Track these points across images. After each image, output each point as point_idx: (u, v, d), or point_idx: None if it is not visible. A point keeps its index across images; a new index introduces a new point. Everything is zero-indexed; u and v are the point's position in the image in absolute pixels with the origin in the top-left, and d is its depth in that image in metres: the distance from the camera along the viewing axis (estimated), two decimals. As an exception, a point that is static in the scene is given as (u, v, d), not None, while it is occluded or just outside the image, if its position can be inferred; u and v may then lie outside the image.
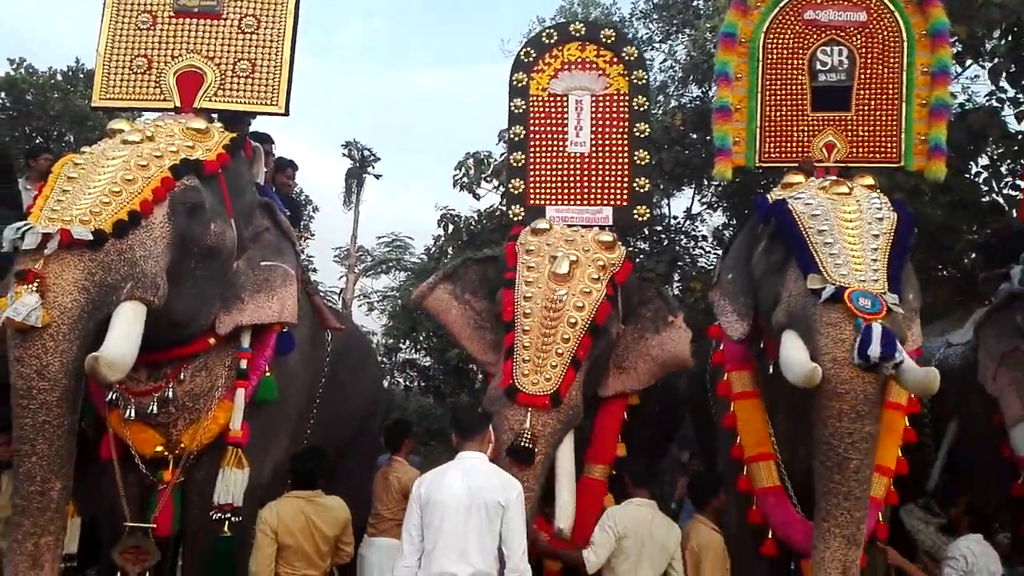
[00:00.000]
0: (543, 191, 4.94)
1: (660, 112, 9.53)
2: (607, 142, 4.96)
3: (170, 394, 3.70)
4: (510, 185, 4.99)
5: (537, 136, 5.00)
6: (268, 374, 3.95)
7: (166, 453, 3.74)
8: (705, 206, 10.06)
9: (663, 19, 10.69)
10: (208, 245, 3.67)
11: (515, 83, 5.05)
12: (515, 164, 4.99)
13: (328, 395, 4.77)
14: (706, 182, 9.57)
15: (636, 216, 4.91)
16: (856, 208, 3.87)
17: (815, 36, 4.68)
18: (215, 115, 4.39)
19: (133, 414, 3.67)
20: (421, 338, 11.16)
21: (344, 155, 14.60)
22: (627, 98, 4.99)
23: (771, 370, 4.04)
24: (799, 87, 4.66)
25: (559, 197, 4.91)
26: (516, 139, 5.02)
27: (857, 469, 3.39)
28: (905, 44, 4.64)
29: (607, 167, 4.93)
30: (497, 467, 3.41)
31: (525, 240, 4.48)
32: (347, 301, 12.05)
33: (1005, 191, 7.63)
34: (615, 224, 4.84)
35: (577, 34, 5.12)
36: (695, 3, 10.25)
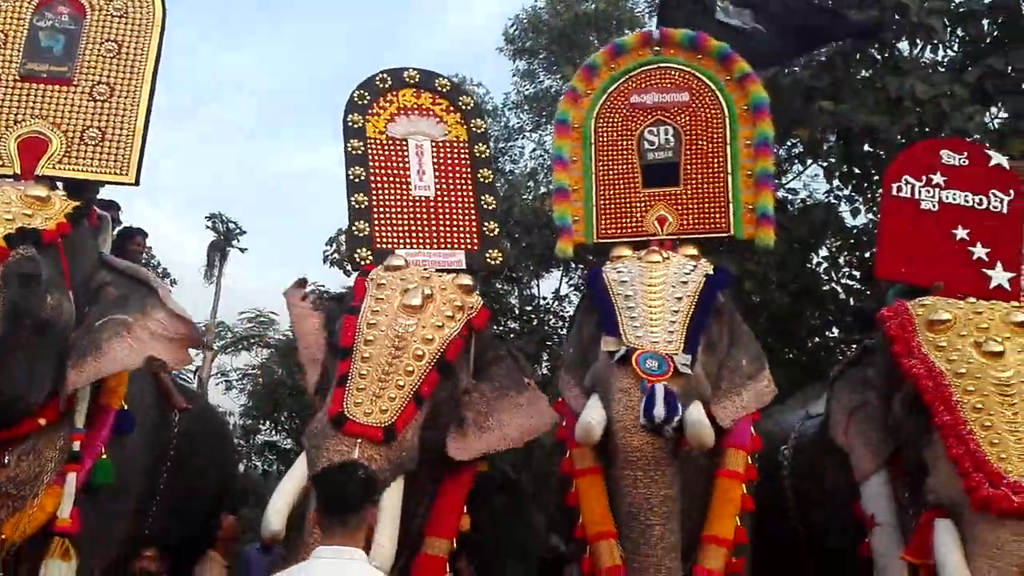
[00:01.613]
0: (390, 234, 4.75)
1: (530, 197, 9.82)
2: (452, 187, 4.90)
3: None
4: (353, 228, 4.73)
5: (379, 178, 4.84)
6: (104, 456, 3.65)
7: None
8: (572, 288, 10.33)
9: (533, 110, 11.18)
10: (43, 318, 3.45)
11: (351, 124, 4.92)
12: (357, 206, 4.75)
13: (173, 481, 4.45)
14: (573, 265, 9.86)
15: (489, 260, 4.80)
16: (663, 273, 4.03)
17: (642, 118, 4.98)
18: (59, 183, 4.19)
19: None
20: (282, 419, 10.71)
21: (208, 227, 14.12)
22: (467, 145, 4.99)
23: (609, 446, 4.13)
24: (630, 166, 4.91)
25: (408, 240, 4.75)
26: (356, 180, 4.80)
27: (661, 536, 3.44)
28: (727, 119, 4.96)
29: (455, 211, 4.87)
30: (375, 571, 2.45)
31: (376, 275, 4.18)
32: (203, 379, 11.41)
33: (843, 280, 8.26)
34: (470, 268, 4.71)
35: (411, 80, 5.11)
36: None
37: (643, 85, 5.02)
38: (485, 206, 4.89)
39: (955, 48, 7.96)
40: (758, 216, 4.84)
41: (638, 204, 4.85)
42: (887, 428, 4.12)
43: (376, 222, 4.75)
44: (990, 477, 3.38)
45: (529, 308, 10.27)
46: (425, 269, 4.41)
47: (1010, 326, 3.97)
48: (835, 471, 4.40)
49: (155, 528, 4.36)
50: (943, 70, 7.63)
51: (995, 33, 7.53)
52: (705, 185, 4.90)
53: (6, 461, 3.46)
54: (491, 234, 4.85)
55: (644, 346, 3.56)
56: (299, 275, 4.59)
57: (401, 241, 4.74)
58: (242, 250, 14.49)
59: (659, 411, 3.35)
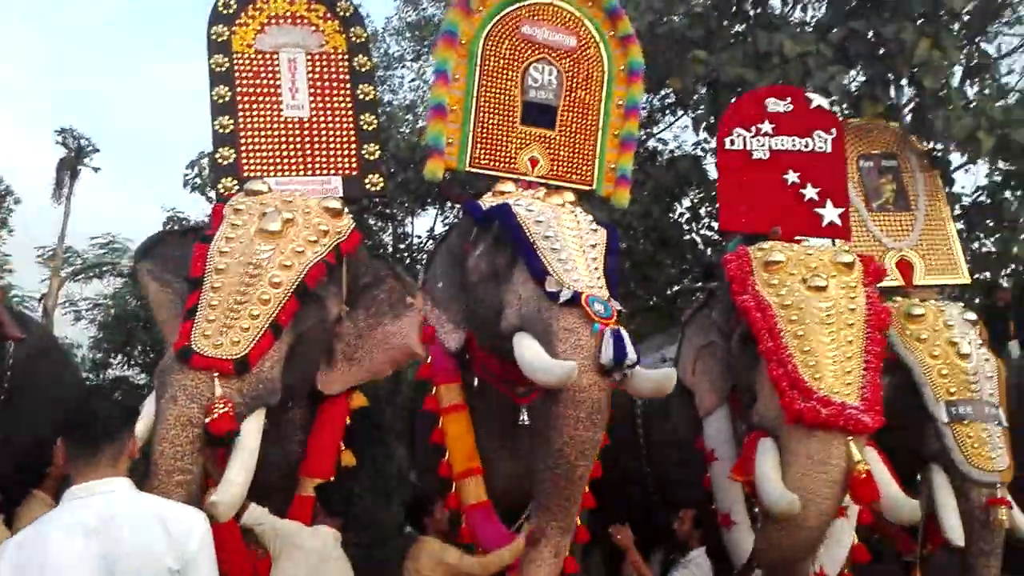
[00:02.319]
0: (258, 161, 4.38)
1: (407, 131, 9.60)
2: (328, 106, 4.53)
3: None
4: (217, 155, 4.36)
5: (247, 98, 4.43)
6: None
7: None
8: (447, 226, 10.25)
9: (415, 38, 10.86)
10: None
11: (214, 37, 4.46)
12: (222, 130, 4.35)
13: (6, 412, 4.16)
14: (449, 203, 9.78)
15: (369, 186, 4.49)
16: (574, 219, 3.96)
17: (530, 52, 4.85)
18: None
19: None
20: (135, 353, 10.19)
21: (58, 143, 13.07)
22: (346, 57, 4.61)
23: (476, 383, 4.14)
24: (511, 98, 4.77)
25: (278, 167, 4.38)
26: (220, 101, 4.39)
27: (582, 476, 3.47)
28: (606, 76, 4.95)
29: (331, 133, 4.51)
30: (152, 497, 2.13)
31: (235, 201, 3.82)
32: (49, 308, 10.70)
33: (702, 231, 8.61)
34: (347, 195, 4.39)
35: None
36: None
37: (535, 18, 4.86)
38: (365, 126, 4.55)
39: (823, 10, 8.29)
40: (618, 176, 4.92)
41: (513, 140, 4.76)
42: (727, 366, 4.42)
43: (243, 148, 4.37)
44: (803, 394, 3.69)
45: (403, 247, 10.14)
46: (291, 194, 4.03)
47: (836, 265, 4.28)
48: (683, 411, 4.64)
49: None
50: (810, 30, 7.94)
51: (858, -1, 7.87)
52: (577, 135, 4.89)
53: None
54: (371, 157, 4.52)
55: (583, 288, 3.45)
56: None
57: (271, 168, 4.37)
58: (95, 169, 13.59)
59: (616, 353, 3.25)
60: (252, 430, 3.28)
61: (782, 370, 3.81)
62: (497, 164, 4.71)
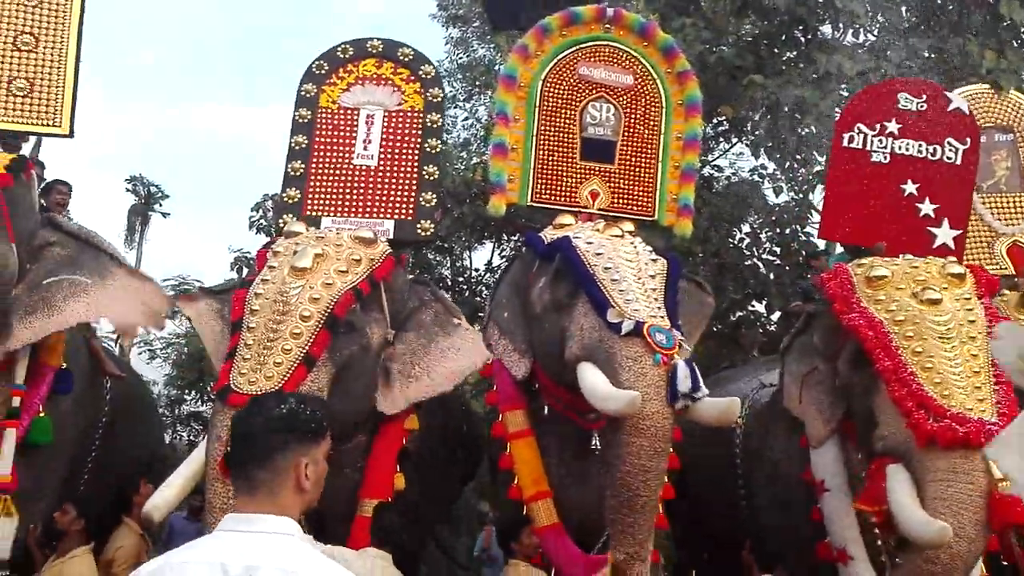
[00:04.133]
0: (320, 201, 4.65)
1: (462, 168, 9.83)
2: (396, 156, 4.79)
3: None
4: (284, 195, 4.66)
5: (321, 147, 4.76)
6: (43, 414, 3.59)
7: None
8: (504, 259, 10.42)
9: (466, 79, 11.09)
10: None
11: (303, 93, 4.85)
12: (293, 173, 4.68)
13: (103, 447, 4.38)
14: (505, 236, 9.95)
15: (419, 230, 4.65)
16: (633, 250, 4.02)
17: (587, 91, 5.00)
18: None
19: None
20: (208, 388, 10.50)
21: (128, 190, 13.65)
22: (421, 115, 4.87)
23: (546, 410, 4.19)
24: (570, 136, 4.92)
25: (337, 208, 4.64)
26: (297, 148, 4.74)
27: (644, 505, 3.47)
28: (664, 110, 5.06)
29: (394, 181, 4.75)
30: (314, 555, 1.52)
31: (275, 245, 4.03)
32: (125, 348, 11.06)
33: (764, 256, 8.61)
34: (397, 238, 4.56)
35: (374, 50, 5.01)
36: (496, 67, 10.77)
37: (592, 59, 5.05)
38: (426, 176, 4.76)
39: (875, 33, 8.35)
40: (680, 206, 4.99)
41: (574, 175, 4.91)
42: (836, 392, 4.12)
43: (310, 190, 4.65)
44: (934, 413, 3.41)
45: (461, 279, 10.31)
46: (325, 231, 4.23)
47: (946, 277, 4.02)
48: (786, 439, 4.39)
49: (85, 492, 4.29)
50: (863, 51, 7.99)
51: (913, 19, 7.91)
52: (637, 168, 4.98)
53: None
54: (427, 204, 4.71)
55: (645, 319, 3.51)
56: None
57: (330, 209, 4.62)
58: (164, 215, 14.10)
59: (685, 384, 3.31)
60: None
61: (905, 390, 3.54)
62: (558, 198, 4.85)
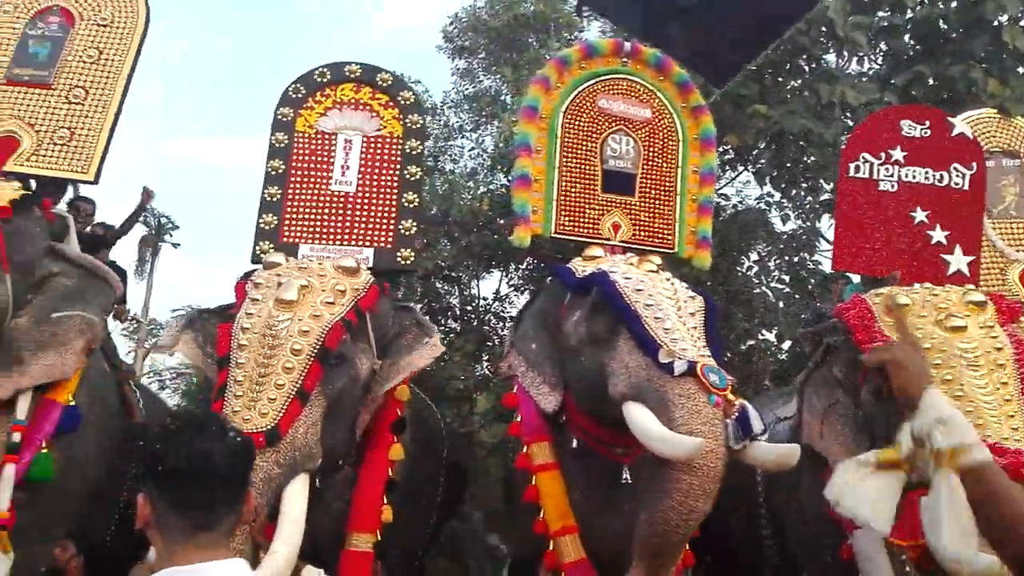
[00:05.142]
0: (298, 229, 4.61)
1: (469, 197, 9.88)
2: (375, 183, 4.76)
3: None
4: (261, 221, 4.60)
5: (299, 172, 4.73)
6: (45, 450, 3.55)
7: None
8: (512, 288, 10.43)
9: (473, 110, 11.17)
10: None
11: (280, 117, 4.82)
12: (269, 199, 4.63)
13: (135, 488, 4.36)
14: (513, 265, 9.97)
15: (400, 259, 4.61)
16: (671, 286, 3.95)
17: (607, 123, 5.03)
18: (31, 180, 4.28)
19: None
20: (217, 420, 10.52)
21: (139, 221, 13.77)
22: (400, 141, 4.85)
23: (575, 443, 4.08)
24: (591, 168, 4.94)
25: (315, 236, 4.60)
26: (273, 173, 4.69)
27: (679, 543, 3.41)
28: (680, 144, 5.10)
29: (373, 208, 4.72)
30: None
31: (255, 276, 3.93)
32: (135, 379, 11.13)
33: (772, 284, 8.59)
34: (376, 266, 4.47)
35: (352, 75, 4.98)
36: (503, 97, 10.86)
37: (611, 92, 5.09)
38: (406, 204, 4.72)
39: (878, 61, 8.38)
40: (699, 239, 5.01)
41: (596, 206, 4.92)
42: (860, 424, 4.01)
43: (287, 216, 4.61)
44: None
45: (469, 308, 10.31)
46: (306, 261, 4.18)
47: (968, 305, 3.94)
48: (809, 475, 4.16)
49: (113, 537, 4.23)
50: (867, 80, 8.01)
51: (916, 47, 7.94)
52: (656, 201, 5.02)
53: None
54: (407, 233, 4.67)
55: (695, 358, 3.41)
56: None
57: (308, 236, 4.59)
58: (175, 245, 14.22)
59: (758, 426, 3.28)
60: (295, 497, 3.26)
61: None
62: (581, 230, 4.85)
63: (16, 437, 3.44)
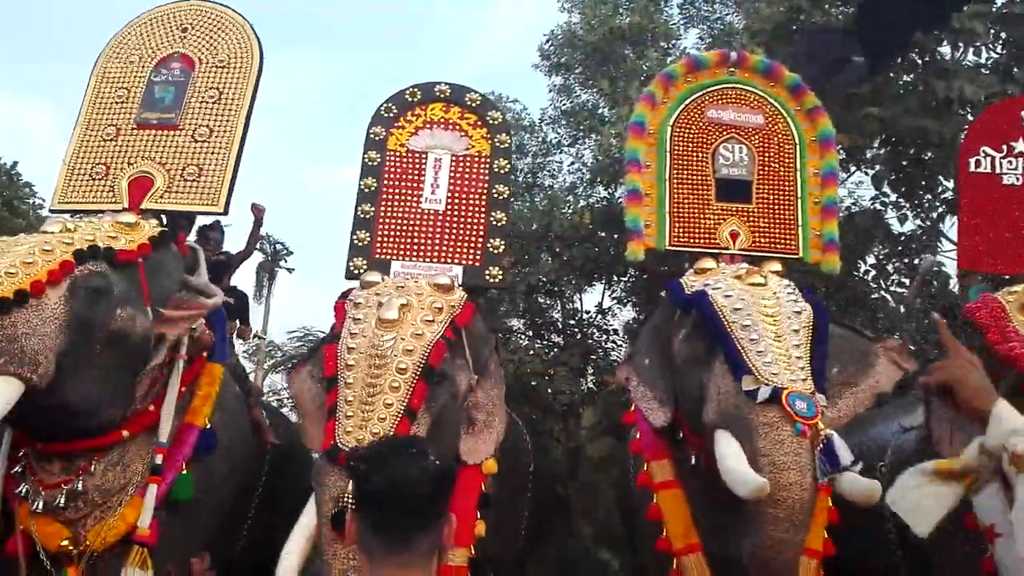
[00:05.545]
0: (390, 245, 4.70)
1: (570, 211, 9.90)
2: (464, 202, 4.84)
3: (79, 487, 3.54)
4: (354, 237, 4.72)
5: (390, 190, 4.84)
6: (185, 472, 3.78)
7: (71, 549, 3.52)
8: (615, 301, 10.37)
9: (570, 124, 11.18)
10: (112, 330, 3.56)
11: (372, 136, 4.94)
12: (362, 216, 4.75)
13: (262, 508, 4.60)
14: (615, 278, 9.91)
15: (488, 277, 4.65)
16: (775, 302, 3.88)
17: (717, 133, 4.98)
18: (163, 215, 4.55)
19: (41, 507, 3.51)
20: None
21: (256, 248, 14.45)
22: (488, 160, 4.92)
23: (693, 461, 4.02)
24: (704, 178, 4.88)
25: (407, 252, 4.69)
26: (367, 190, 4.82)
27: (783, 569, 3.31)
28: (797, 147, 4.99)
29: (462, 226, 4.78)
30: None
31: (354, 295, 4.06)
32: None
33: (891, 288, 8.21)
34: (466, 284, 4.54)
35: (442, 95, 5.07)
36: (600, 111, 10.84)
37: (720, 102, 5.06)
38: (495, 222, 4.79)
39: (998, 50, 7.91)
40: (825, 242, 4.87)
41: (711, 216, 4.85)
42: None
43: (379, 232, 4.72)
44: None
45: (572, 322, 10.31)
46: (402, 279, 4.31)
47: None
48: None
49: (247, 554, 4.49)
50: (986, 72, 7.58)
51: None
52: (775, 206, 4.92)
53: (92, 470, 3.60)
54: (495, 251, 4.72)
55: (785, 385, 3.36)
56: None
57: (400, 252, 4.68)
58: (290, 270, 14.83)
59: (846, 458, 3.20)
60: None
61: None
62: (696, 241, 4.79)
63: (159, 459, 3.69)
